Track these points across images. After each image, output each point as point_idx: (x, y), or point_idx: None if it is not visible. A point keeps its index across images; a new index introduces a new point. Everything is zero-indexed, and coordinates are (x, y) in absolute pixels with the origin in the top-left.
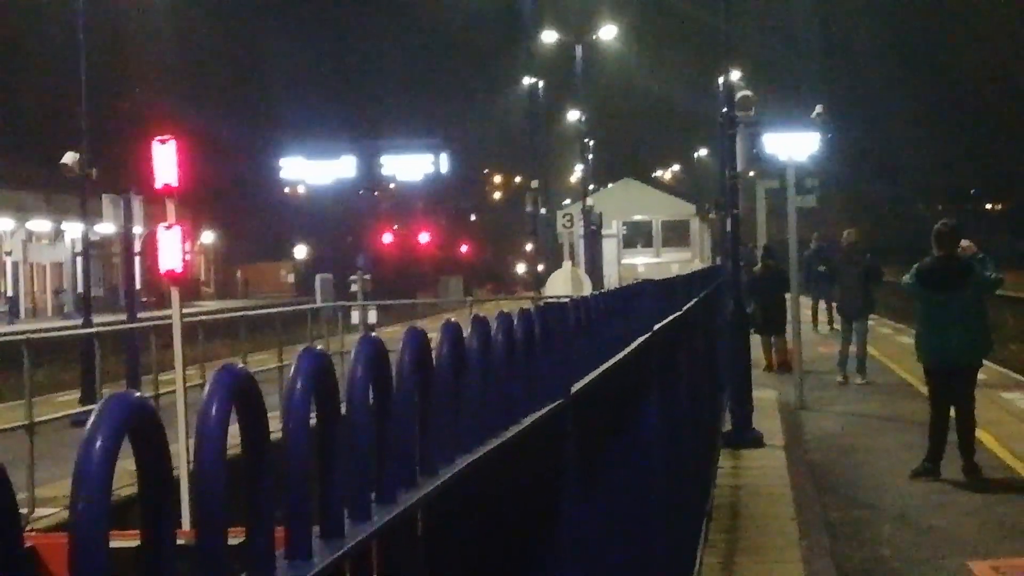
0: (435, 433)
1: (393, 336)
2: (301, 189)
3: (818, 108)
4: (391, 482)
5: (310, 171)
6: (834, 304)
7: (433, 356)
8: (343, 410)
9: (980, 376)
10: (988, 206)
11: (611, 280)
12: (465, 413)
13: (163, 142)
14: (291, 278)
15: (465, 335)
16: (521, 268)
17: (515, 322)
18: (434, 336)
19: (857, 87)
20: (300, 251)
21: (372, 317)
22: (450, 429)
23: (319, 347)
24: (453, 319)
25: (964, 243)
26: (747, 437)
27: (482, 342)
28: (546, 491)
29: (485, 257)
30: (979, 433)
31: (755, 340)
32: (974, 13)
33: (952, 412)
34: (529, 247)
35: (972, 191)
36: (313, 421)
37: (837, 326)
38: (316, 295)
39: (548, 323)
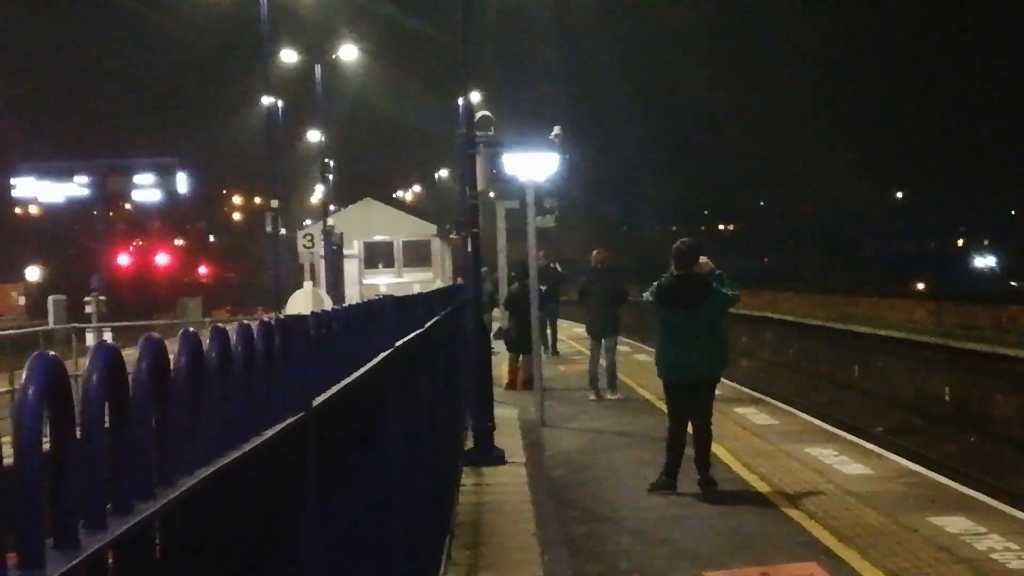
0: (173, 443)
1: (130, 358)
2: (34, 209)
3: (556, 129)
4: (127, 492)
5: (43, 191)
6: (557, 323)
7: (171, 366)
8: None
9: (716, 391)
10: (721, 227)
11: (353, 300)
12: (205, 423)
13: None
14: (23, 300)
15: (205, 348)
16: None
17: (255, 333)
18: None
19: (594, 112)
20: (33, 272)
21: (108, 339)
22: (189, 439)
23: (51, 353)
24: (192, 331)
25: (702, 260)
26: (489, 455)
27: (221, 352)
28: (288, 504)
29: (225, 278)
30: (715, 447)
31: (496, 359)
32: (698, 47)
33: (689, 427)
34: (270, 267)
35: (705, 212)
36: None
37: (560, 348)
38: (49, 317)
39: (289, 335)
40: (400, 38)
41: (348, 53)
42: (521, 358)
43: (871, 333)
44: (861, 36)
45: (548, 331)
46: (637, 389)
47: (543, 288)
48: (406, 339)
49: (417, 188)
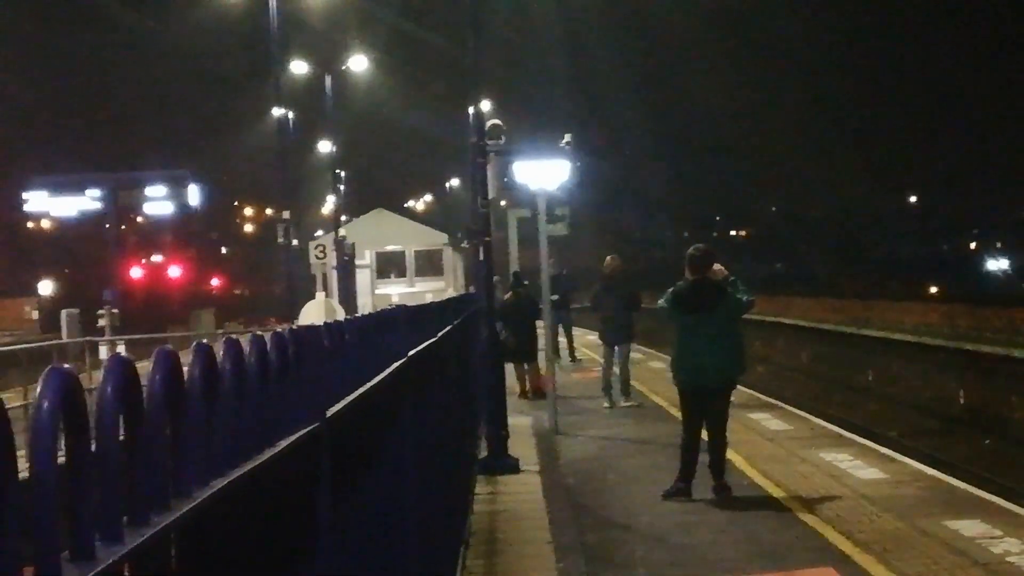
0: (188, 455)
1: (144, 371)
2: (46, 223)
3: (567, 137)
4: (143, 504)
5: (55, 205)
6: (572, 330)
7: (185, 378)
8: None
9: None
10: (733, 232)
11: (365, 310)
12: (219, 435)
13: None
14: (35, 314)
15: (219, 360)
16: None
17: (269, 345)
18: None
19: (605, 119)
20: (45, 286)
21: (121, 352)
22: (204, 451)
23: (66, 366)
24: (206, 342)
25: (716, 266)
26: (503, 463)
27: (235, 364)
28: (302, 513)
29: (237, 289)
30: (729, 453)
31: (510, 367)
32: (709, 53)
33: (704, 432)
34: (283, 278)
35: (717, 218)
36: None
37: (580, 356)
38: (62, 331)
39: (302, 346)
40: (410, 48)
41: (358, 64)
42: (526, 366)
43: (885, 337)
44: (873, 40)
45: (563, 339)
46: (651, 396)
47: (555, 297)
48: (419, 348)
49: (428, 197)
